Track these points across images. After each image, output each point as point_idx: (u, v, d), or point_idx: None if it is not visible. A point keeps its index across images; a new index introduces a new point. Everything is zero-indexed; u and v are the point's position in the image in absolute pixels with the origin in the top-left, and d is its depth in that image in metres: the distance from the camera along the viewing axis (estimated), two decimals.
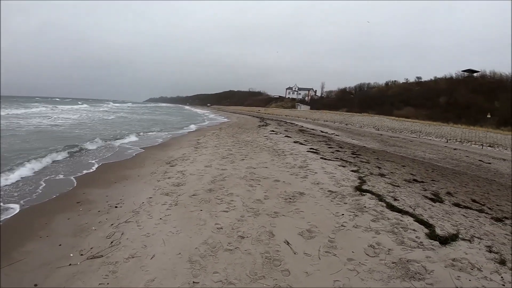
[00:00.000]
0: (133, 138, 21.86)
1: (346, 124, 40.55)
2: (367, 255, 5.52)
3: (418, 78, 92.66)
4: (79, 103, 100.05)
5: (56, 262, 5.69)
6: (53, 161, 13.29)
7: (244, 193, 8.50)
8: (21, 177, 10.68)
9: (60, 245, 6.32)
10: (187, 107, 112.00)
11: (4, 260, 5.90)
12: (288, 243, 5.82)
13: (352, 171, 11.14)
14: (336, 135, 26.41)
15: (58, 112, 54.62)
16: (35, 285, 5.12)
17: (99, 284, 4.90)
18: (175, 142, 20.68)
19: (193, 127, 33.27)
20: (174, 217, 7.12)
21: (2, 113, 36.74)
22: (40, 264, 5.71)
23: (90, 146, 17.14)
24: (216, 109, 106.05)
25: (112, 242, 6.15)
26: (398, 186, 9.59)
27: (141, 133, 25.09)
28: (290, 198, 8.03)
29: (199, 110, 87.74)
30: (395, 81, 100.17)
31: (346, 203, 7.72)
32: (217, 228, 6.46)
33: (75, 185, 10.34)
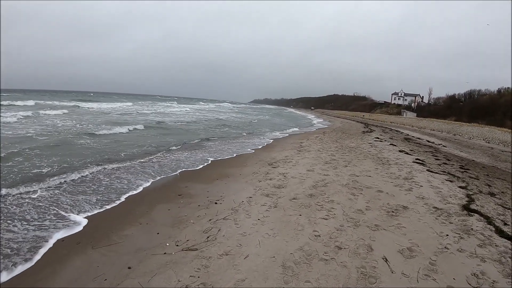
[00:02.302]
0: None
1: (454, 135, 37.52)
2: (469, 284, 4.87)
3: None
4: (201, 102, 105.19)
5: (152, 249, 5.79)
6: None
7: (345, 201, 8.09)
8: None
9: (158, 233, 6.45)
10: (290, 109, 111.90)
11: (104, 240, 6.19)
12: (386, 260, 5.35)
13: (460, 187, 10.08)
14: (443, 146, 24.50)
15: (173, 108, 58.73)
16: (129, 267, 5.24)
17: (190, 276, 4.85)
18: (278, 143, 20.60)
19: (296, 129, 33.07)
20: (272, 219, 6.94)
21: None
22: (136, 249, 5.85)
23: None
24: (320, 112, 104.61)
25: (208, 237, 6.11)
26: (509, 209, 8.50)
27: (248, 133, 25.53)
28: (393, 212, 7.44)
29: (302, 113, 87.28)
30: (508, 88, 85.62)
31: (452, 223, 6.95)
32: (315, 236, 6.16)
33: (178, 177, 10.70)
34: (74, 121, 26.27)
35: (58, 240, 6.30)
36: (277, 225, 6.63)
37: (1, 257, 5.55)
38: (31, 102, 47.39)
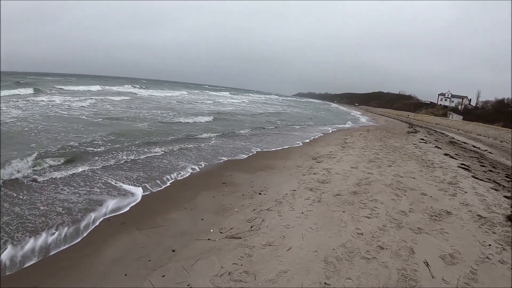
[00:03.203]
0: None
1: (501, 141, 35.78)
2: None
3: None
4: (251, 94, 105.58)
5: (196, 234, 5.85)
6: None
7: (389, 201, 7.92)
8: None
9: (202, 219, 6.51)
10: (334, 104, 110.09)
11: (148, 222, 6.31)
12: (427, 264, 5.18)
13: (505, 196, 9.60)
14: (489, 152, 23.42)
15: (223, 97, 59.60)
16: (173, 250, 5.31)
17: (233, 263, 4.86)
18: (322, 138, 20.46)
19: (340, 125, 32.70)
20: (315, 214, 6.86)
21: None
22: (180, 233, 5.92)
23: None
24: (364, 109, 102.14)
25: (252, 227, 6.11)
26: None
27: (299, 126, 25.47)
28: (436, 216, 7.20)
29: (346, 109, 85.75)
30: None
31: (495, 233, 6.63)
32: (358, 233, 6.05)
33: (222, 165, 10.85)
34: (144, 109, 26.66)
35: (104, 219, 6.48)
36: (321, 220, 6.55)
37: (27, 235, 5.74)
38: (97, 87, 48.74)
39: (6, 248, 5.18)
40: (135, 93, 46.81)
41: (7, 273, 4.84)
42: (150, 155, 11.27)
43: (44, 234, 5.68)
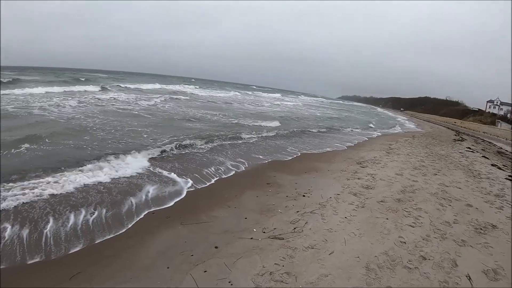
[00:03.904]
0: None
1: None
2: None
3: None
4: (302, 96, 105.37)
5: (239, 232, 5.89)
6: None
7: (433, 211, 7.69)
8: None
9: (245, 218, 6.56)
10: (379, 109, 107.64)
11: (193, 218, 6.42)
12: (469, 279, 5.00)
13: None
14: None
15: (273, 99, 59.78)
16: (216, 247, 5.36)
17: (275, 263, 4.86)
18: (367, 143, 20.15)
19: (385, 130, 32.01)
20: (358, 219, 6.77)
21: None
22: (223, 230, 5.98)
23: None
24: (410, 115, 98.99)
25: (295, 229, 6.09)
26: None
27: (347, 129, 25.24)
28: (481, 229, 6.86)
29: (391, 114, 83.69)
30: None
31: None
32: (400, 242, 5.91)
33: (266, 165, 10.86)
34: (212, 110, 26.86)
35: (148, 212, 6.65)
36: (364, 225, 6.46)
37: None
38: (157, 85, 50.15)
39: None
40: (193, 93, 47.19)
41: (52, 257, 5.06)
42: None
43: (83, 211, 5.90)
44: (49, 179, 7.51)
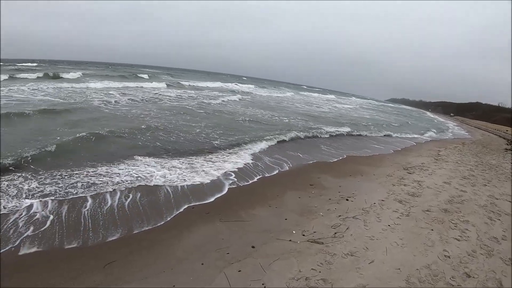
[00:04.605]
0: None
1: None
2: None
3: None
4: (353, 97, 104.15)
5: (278, 233, 5.78)
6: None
7: (481, 224, 7.27)
8: None
9: (286, 219, 6.44)
10: (429, 113, 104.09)
11: (232, 215, 6.38)
12: None
13: None
14: None
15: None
16: (253, 247, 5.29)
17: (311, 269, 4.73)
18: (415, 148, 19.60)
19: (434, 135, 30.87)
20: (402, 228, 6.52)
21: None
22: (262, 230, 5.89)
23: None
24: (459, 120, 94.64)
25: (335, 234, 5.93)
26: None
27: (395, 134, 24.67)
28: None
29: (441, 119, 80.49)
30: None
31: None
32: (445, 256, 5.62)
33: (311, 166, 10.72)
34: (277, 112, 27.04)
35: (188, 207, 6.66)
36: (407, 235, 6.21)
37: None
38: (216, 84, 50.92)
39: None
40: (252, 92, 46.91)
41: (89, 244, 5.15)
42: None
43: None
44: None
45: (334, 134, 18.43)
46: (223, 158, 10.29)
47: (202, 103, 24.32)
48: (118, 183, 7.41)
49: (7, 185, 6.71)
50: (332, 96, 75.99)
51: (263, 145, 12.65)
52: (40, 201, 6.25)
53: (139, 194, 6.97)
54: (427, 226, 6.75)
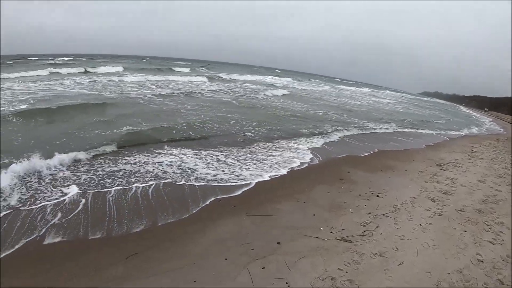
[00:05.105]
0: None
1: None
2: None
3: None
4: (387, 90, 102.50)
5: (305, 229, 5.65)
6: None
7: None
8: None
9: (314, 215, 6.29)
10: (462, 107, 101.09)
11: (258, 209, 6.29)
12: None
13: None
14: None
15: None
16: (278, 243, 5.18)
17: (338, 268, 4.59)
18: (448, 143, 18.63)
19: (468, 131, 29.80)
20: (434, 228, 6.27)
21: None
22: (289, 225, 5.77)
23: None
24: (494, 116, 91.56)
25: (364, 232, 5.75)
26: None
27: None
28: None
29: (476, 114, 78.06)
30: None
31: None
32: (478, 260, 5.36)
33: (341, 160, 10.53)
34: (323, 108, 25.79)
35: (215, 199, 6.62)
36: (439, 236, 5.97)
37: None
38: (258, 77, 51.59)
39: None
40: (291, 86, 45.62)
41: (113, 234, 5.17)
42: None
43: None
44: None
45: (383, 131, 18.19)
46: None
47: (250, 97, 24.54)
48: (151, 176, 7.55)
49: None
50: (367, 90, 74.35)
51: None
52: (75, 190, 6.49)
53: (166, 188, 7.00)
54: (460, 227, 6.48)
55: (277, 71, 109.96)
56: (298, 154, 10.45)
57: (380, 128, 18.56)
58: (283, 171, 8.63)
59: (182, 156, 8.97)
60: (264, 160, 9.45)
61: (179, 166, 8.14)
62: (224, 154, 9.57)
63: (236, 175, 7.96)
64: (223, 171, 8.14)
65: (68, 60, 49.37)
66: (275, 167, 8.83)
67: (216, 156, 9.31)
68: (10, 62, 40.48)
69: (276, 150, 10.62)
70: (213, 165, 8.49)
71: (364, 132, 16.68)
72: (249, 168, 8.55)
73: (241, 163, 8.95)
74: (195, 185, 7.18)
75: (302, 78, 75.83)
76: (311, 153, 10.68)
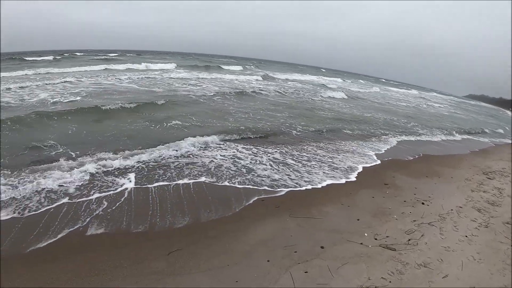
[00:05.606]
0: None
1: None
2: None
3: None
4: (434, 93, 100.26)
5: (349, 234, 5.60)
6: None
7: None
8: None
9: (358, 220, 6.23)
10: (508, 112, 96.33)
11: (302, 211, 6.28)
12: None
13: None
14: None
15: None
16: (322, 247, 5.15)
17: (381, 277, 4.53)
18: (495, 150, 17.75)
19: None
20: (480, 241, 6.05)
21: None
22: (332, 229, 5.74)
23: None
24: None
25: (409, 240, 5.64)
26: None
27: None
28: None
29: None
30: None
31: None
32: None
33: (386, 164, 10.35)
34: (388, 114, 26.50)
35: (258, 198, 6.65)
36: (485, 249, 5.76)
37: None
38: (306, 77, 50.84)
39: None
40: (345, 88, 43.98)
41: (156, 229, 5.32)
42: None
43: None
44: None
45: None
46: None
47: (307, 99, 24.34)
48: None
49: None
50: (415, 92, 72.10)
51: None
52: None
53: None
54: (507, 241, 6.21)
55: (323, 70, 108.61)
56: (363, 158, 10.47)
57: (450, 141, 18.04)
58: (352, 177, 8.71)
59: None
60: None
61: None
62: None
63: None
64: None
65: (115, 56, 50.95)
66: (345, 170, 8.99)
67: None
68: (59, 57, 42.57)
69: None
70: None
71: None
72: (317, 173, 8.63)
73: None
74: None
75: (349, 78, 74.57)
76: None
